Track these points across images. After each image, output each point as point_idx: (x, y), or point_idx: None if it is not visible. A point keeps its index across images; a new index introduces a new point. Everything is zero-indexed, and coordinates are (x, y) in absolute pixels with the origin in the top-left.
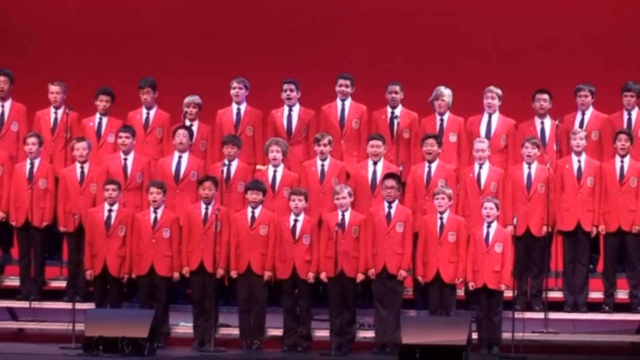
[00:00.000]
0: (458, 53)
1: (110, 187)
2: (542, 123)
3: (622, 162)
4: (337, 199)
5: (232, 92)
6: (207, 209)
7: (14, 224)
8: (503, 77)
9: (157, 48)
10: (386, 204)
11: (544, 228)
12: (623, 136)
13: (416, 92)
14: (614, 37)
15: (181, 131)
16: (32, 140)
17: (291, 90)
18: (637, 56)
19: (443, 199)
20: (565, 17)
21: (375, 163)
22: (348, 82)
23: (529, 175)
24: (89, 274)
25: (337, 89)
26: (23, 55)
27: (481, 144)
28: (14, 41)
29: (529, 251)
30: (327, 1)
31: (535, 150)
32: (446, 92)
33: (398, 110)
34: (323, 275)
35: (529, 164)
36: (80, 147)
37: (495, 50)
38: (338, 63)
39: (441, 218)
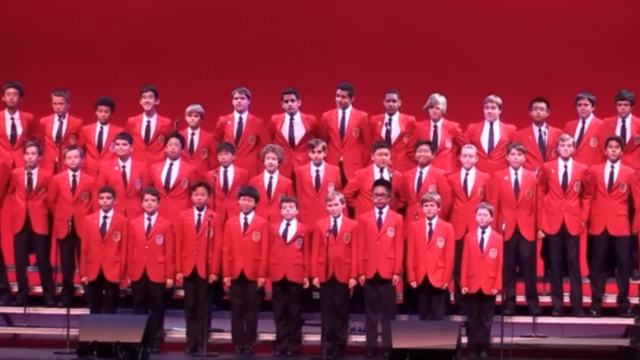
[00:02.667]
0: (454, 61)
1: (104, 194)
2: (540, 130)
3: (612, 167)
4: (329, 205)
5: (235, 102)
6: (199, 215)
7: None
8: (499, 85)
9: (159, 58)
10: (377, 210)
11: (539, 233)
12: (614, 142)
13: (413, 99)
14: (610, 45)
15: (173, 140)
16: (31, 149)
17: (292, 100)
18: (633, 64)
19: (432, 205)
20: (561, 27)
21: (381, 170)
22: (345, 93)
23: (516, 181)
24: (84, 280)
25: (336, 99)
26: (24, 65)
27: (470, 150)
28: (16, 52)
29: (518, 256)
30: (326, 11)
31: (522, 157)
32: (441, 100)
33: (395, 118)
34: (316, 281)
35: (515, 169)
36: (72, 155)
37: (491, 59)
38: (337, 71)
39: (430, 224)
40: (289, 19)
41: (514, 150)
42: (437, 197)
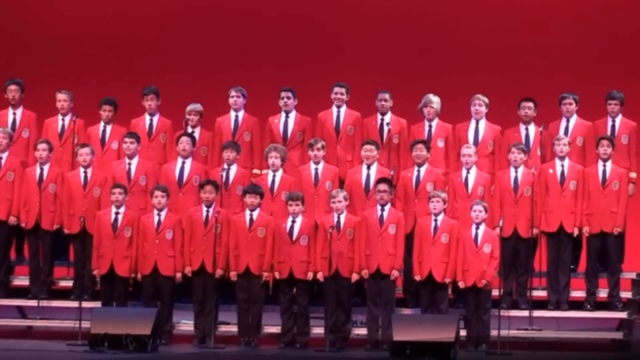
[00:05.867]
0: (447, 63)
1: (116, 190)
2: (527, 129)
3: (604, 166)
4: (333, 202)
5: (231, 100)
6: (208, 211)
7: (23, 225)
8: (490, 86)
9: (159, 58)
10: (379, 207)
11: (532, 230)
12: (605, 142)
13: (406, 99)
14: (597, 47)
15: (184, 139)
16: (42, 146)
17: (288, 98)
18: (619, 65)
19: (438, 202)
20: (550, 29)
21: (369, 167)
22: (343, 90)
23: (516, 179)
24: (96, 273)
25: (333, 96)
26: (32, 65)
27: (468, 150)
28: (24, 52)
29: (516, 252)
30: (321, 14)
31: (522, 155)
32: (435, 100)
33: (388, 117)
34: (320, 275)
35: (516, 168)
36: (84, 153)
37: (483, 61)
38: (332, 72)
39: (435, 220)
40: (286, 22)
41: (513, 150)
42: (443, 194)
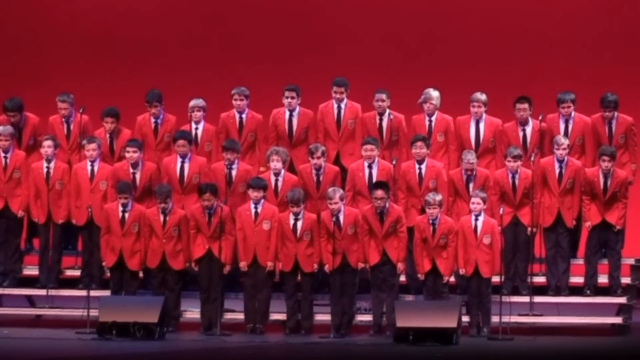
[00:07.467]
0: (447, 57)
1: (122, 195)
2: (524, 130)
3: (605, 177)
4: (330, 204)
5: (234, 102)
6: (209, 213)
7: (36, 220)
8: (489, 80)
9: (165, 55)
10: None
11: (532, 229)
12: (606, 157)
13: (407, 94)
14: (593, 41)
15: (180, 142)
16: (47, 142)
17: (292, 98)
18: (615, 59)
19: (435, 208)
20: (548, 23)
21: (370, 166)
22: (342, 90)
23: (514, 184)
24: (105, 264)
25: (333, 95)
26: (37, 63)
27: (470, 156)
28: (30, 50)
29: (516, 238)
30: (322, 8)
31: (518, 163)
32: (434, 95)
33: (386, 117)
34: (326, 268)
35: (513, 174)
36: (91, 148)
37: (482, 55)
38: (333, 66)
39: (433, 223)
40: (287, 14)
41: (509, 159)
42: (438, 197)
